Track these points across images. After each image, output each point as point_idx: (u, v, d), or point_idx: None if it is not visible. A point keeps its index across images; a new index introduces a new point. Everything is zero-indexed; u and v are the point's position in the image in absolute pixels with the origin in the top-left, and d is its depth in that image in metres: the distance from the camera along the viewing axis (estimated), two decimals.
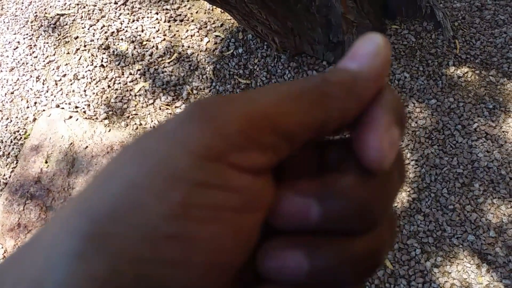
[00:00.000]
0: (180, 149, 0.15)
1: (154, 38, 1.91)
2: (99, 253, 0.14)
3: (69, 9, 2.06)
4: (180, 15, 1.94)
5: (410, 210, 1.49)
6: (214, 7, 1.89)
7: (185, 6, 1.97)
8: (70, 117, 1.76)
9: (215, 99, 0.16)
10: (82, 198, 0.15)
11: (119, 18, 1.98)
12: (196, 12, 1.95)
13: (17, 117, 1.85)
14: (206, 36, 1.89)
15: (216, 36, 1.89)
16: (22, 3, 2.14)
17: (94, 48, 1.93)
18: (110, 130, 1.71)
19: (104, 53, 1.91)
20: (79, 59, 1.92)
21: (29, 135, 1.77)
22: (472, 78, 1.69)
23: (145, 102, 1.78)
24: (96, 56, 1.91)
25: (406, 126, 1.61)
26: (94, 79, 1.86)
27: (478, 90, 1.66)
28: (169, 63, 1.86)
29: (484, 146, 1.56)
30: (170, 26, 1.93)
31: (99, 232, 0.14)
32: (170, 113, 1.76)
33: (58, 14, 2.06)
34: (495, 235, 1.41)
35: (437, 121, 1.61)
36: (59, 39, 1.99)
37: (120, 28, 1.95)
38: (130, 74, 1.85)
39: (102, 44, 1.93)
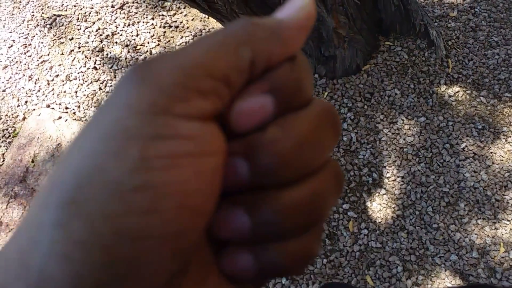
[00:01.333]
0: (127, 112, 0.16)
1: (148, 43, 1.91)
2: (75, 218, 0.15)
3: (66, 10, 2.07)
4: (175, 21, 1.95)
5: (394, 227, 1.48)
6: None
7: (181, 13, 1.97)
8: (60, 117, 1.75)
9: (148, 60, 0.17)
10: (52, 175, 0.16)
11: (115, 22, 1.98)
12: (192, 20, 1.96)
13: (7, 115, 1.85)
14: None
15: None
16: (20, 2, 2.15)
17: (88, 50, 1.93)
18: None
19: (98, 56, 1.91)
20: (73, 60, 1.92)
21: (17, 133, 1.77)
22: (463, 97, 1.69)
23: None
24: (90, 58, 1.91)
25: (394, 142, 1.62)
26: (86, 81, 1.86)
27: (468, 110, 1.66)
28: None
29: (472, 166, 1.55)
30: (165, 32, 1.94)
31: (71, 200, 0.15)
32: None
33: (54, 15, 2.07)
34: (478, 256, 1.40)
35: (425, 139, 1.61)
36: (54, 39, 2.00)
37: (115, 31, 1.96)
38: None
39: (97, 46, 1.94)
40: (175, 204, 0.16)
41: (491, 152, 1.57)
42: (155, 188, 0.15)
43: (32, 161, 1.66)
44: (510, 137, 1.58)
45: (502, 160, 1.55)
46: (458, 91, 1.70)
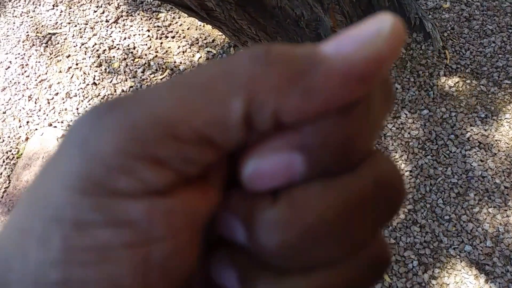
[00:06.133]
0: (57, 185, 0.13)
1: (146, 55, 1.91)
2: None
3: (60, 28, 2.07)
4: (171, 31, 1.95)
5: (406, 221, 1.48)
6: (205, 24, 1.90)
7: (176, 23, 1.98)
8: (63, 135, 1.75)
9: (100, 108, 0.14)
10: None
11: (111, 36, 1.98)
12: (188, 29, 1.96)
13: (9, 136, 1.84)
14: (198, 52, 1.90)
15: (208, 51, 1.89)
16: (14, 23, 2.15)
17: (86, 66, 1.93)
18: None
19: (96, 71, 1.91)
20: (71, 77, 1.92)
21: (21, 154, 1.76)
22: (463, 87, 1.70)
23: None
24: (88, 74, 1.91)
25: (399, 137, 1.62)
26: (86, 97, 1.85)
27: (469, 99, 1.67)
28: (161, 79, 1.86)
29: (478, 155, 1.56)
30: (161, 43, 1.94)
31: (2, 282, 0.13)
32: None
33: (49, 33, 2.06)
34: (492, 245, 1.40)
35: (430, 131, 1.62)
36: (51, 57, 2.00)
37: (112, 45, 1.96)
38: (123, 91, 1.84)
39: (94, 62, 1.93)
40: None
41: (496, 140, 1.58)
42: (77, 285, 0.13)
43: None
44: None
45: (508, 147, 1.55)
46: (458, 82, 1.71)
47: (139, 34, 1.96)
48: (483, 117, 1.62)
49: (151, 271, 0.13)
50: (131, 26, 2.00)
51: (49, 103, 1.88)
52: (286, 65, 0.13)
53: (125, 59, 1.92)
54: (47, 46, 2.03)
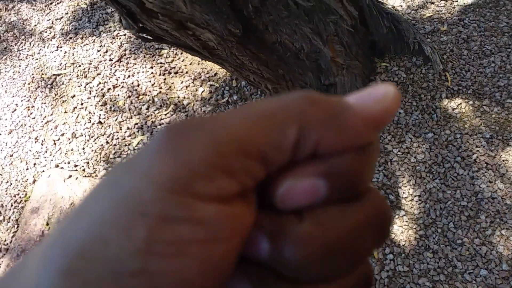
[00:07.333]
0: (145, 182, 0.15)
1: (150, 91, 1.94)
2: None
3: (65, 69, 2.10)
4: (174, 67, 1.99)
5: (418, 247, 1.46)
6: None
7: (178, 58, 2.01)
8: (70, 176, 1.76)
9: (182, 126, 0.16)
10: (57, 233, 0.16)
11: (115, 75, 2.02)
12: (190, 64, 1.99)
13: (16, 179, 1.85)
14: (200, 86, 1.93)
15: (211, 85, 1.92)
16: (19, 66, 2.19)
17: (91, 105, 1.96)
18: None
19: (102, 110, 1.93)
20: (77, 117, 1.94)
21: (29, 197, 1.77)
22: (466, 109, 1.70)
23: None
24: (94, 113, 1.93)
25: (405, 162, 1.62)
26: (92, 136, 1.87)
27: (473, 120, 1.67)
28: (166, 114, 1.88)
29: (486, 176, 1.55)
30: (165, 79, 1.96)
31: (70, 268, 0.14)
32: None
33: (54, 74, 2.10)
34: (508, 268, 1.38)
35: (436, 154, 1.61)
36: (56, 98, 2.03)
37: (116, 84, 1.99)
38: (128, 128, 1.86)
39: (99, 101, 1.96)
40: None
41: (503, 160, 1.57)
42: (153, 276, 0.14)
43: (47, 224, 1.65)
44: None
45: None
46: (460, 103, 1.71)
47: (143, 72, 2.00)
48: (488, 138, 1.62)
49: (210, 270, 0.15)
50: (135, 64, 2.03)
51: (55, 144, 1.89)
52: (327, 105, 0.17)
53: (129, 96, 1.94)
54: (52, 87, 2.07)
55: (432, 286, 1.39)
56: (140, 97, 1.93)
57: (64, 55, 2.15)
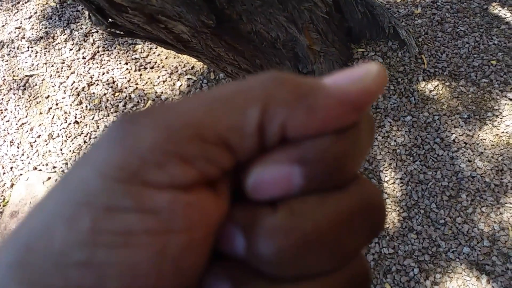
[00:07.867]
0: (92, 173, 0.15)
1: (126, 88, 1.91)
2: (16, 283, 0.14)
3: (37, 69, 2.05)
4: (149, 62, 1.95)
5: (402, 229, 1.48)
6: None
7: (154, 53, 1.98)
8: (49, 178, 1.72)
9: (134, 114, 0.16)
10: (15, 230, 0.15)
11: (89, 73, 1.97)
12: (166, 58, 1.96)
13: None
14: (178, 80, 1.90)
15: (188, 78, 1.90)
16: None
17: (67, 105, 1.91)
18: None
19: (77, 109, 1.89)
20: (53, 118, 1.90)
21: (7, 202, 1.72)
22: (443, 90, 1.72)
23: None
24: (70, 113, 1.89)
25: (385, 145, 1.63)
26: (69, 137, 1.83)
27: (450, 101, 1.69)
28: None
29: (465, 156, 1.57)
30: (141, 75, 1.93)
31: (17, 261, 0.14)
32: None
33: (26, 76, 2.04)
34: (489, 244, 1.41)
35: (415, 137, 1.63)
36: (30, 100, 1.97)
37: (91, 82, 1.95)
38: (106, 127, 1.83)
39: (74, 100, 1.92)
40: (120, 285, 0.14)
41: (481, 139, 1.60)
42: (100, 267, 0.14)
43: None
44: (496, 121, 1.62)
45: (493, 145, 1.57)
46: (437, 85, 1.73)
47: (118, 68, 1.96)
48: (466, 118, 1.65)
49: (166, 262, 0.14)
50: (109, 60, 1.99)
51: (32, 146, 1.85)
52: (295, 85, 0.16)
53: (105, 94, 1.90)
54: (25, 89, 2.01)
55: (417, 267, 1.41)
56: (116, 94, 1.90)
57: (36, 55, 2.09)
